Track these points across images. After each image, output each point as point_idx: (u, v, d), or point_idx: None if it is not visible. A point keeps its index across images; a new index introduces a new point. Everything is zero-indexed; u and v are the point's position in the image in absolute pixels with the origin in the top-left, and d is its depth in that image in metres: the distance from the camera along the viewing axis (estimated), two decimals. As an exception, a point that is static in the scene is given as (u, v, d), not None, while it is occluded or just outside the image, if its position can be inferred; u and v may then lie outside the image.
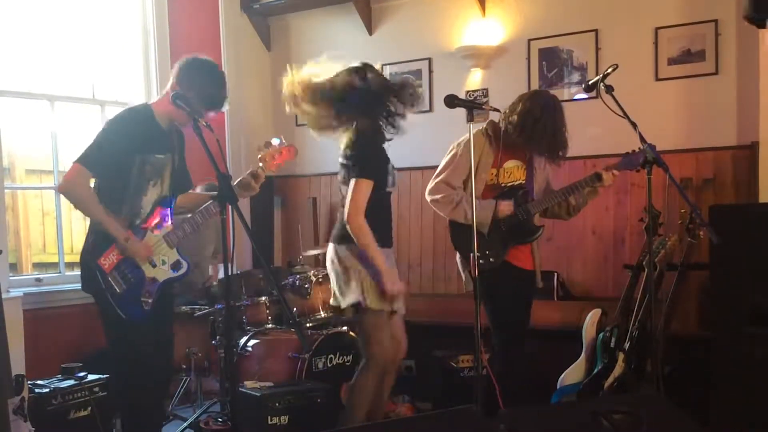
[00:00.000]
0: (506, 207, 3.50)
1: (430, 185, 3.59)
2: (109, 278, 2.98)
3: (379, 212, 3.34)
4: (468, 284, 3.53)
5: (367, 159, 3.28)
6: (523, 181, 3.59)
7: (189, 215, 3.18)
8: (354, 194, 3.24)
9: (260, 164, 3.21)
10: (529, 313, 3.64)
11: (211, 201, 3.13)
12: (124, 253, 3.00)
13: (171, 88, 3.08)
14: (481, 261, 3.36)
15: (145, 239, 3.06)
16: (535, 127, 3.40)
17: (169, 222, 3.14)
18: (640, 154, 3.40)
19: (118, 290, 2.98)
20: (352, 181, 3.25)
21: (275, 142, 3.26)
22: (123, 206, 3.04)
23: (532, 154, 3.57)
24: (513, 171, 3.58)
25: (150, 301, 3.05)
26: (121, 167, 3.02)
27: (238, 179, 3.21)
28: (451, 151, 3.59)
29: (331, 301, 3.49)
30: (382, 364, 3.37)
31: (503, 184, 3.56)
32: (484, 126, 3.59)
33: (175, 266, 3.15)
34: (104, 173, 3.02)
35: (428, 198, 3.59)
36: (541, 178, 3.68)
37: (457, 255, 3.63)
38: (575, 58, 4.85)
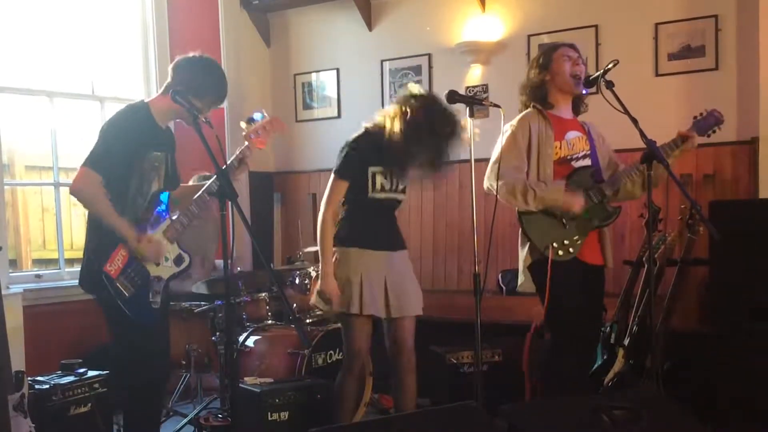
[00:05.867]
0: (577, 204, 3.29)
1: (491, 171, 3.34)
2: (117, 284, 2.93)
3: (361, 213, 3.41)
4: (523, 285, 3.41)
5: (343, 158, 3.37)
6: (588, 152, 3.44)
7: (184, 208, 3.15)
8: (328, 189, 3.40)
9: (246, 142, 3.13)
10: (602, 312, 3.57)
11: (204, 190, 3.09)
12: (134, 254, 2.97)
13: (168, 87, 3.05)
14: (560, 252, 3.28)
15: (149, 236, 3.03)
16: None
17: (166, 217, 3.12)
18: (710, 117, 3.34)
19: (127, 294, 2.95)
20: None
21: (257, 116, 3.14)
22: (128, 207, 3.00)
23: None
24: (575, 143, 3.43)
25: (158, 300, 3.05)
26: (127, 166, 2.99)
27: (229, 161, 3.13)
28: (505, 133, 3.38)
29: None
30: (353, 366, 3.37)
31: (569, 157, 3.39)
32: (532, 105, 3.43)
33: (178, 261, 3.15)
34: (112, 174, 2.97)
35: (491, 186, 3.30)
36: (604, 151, 3.53)
37: (522, 250, 3.41)
38: (575, 54, 4.84)
